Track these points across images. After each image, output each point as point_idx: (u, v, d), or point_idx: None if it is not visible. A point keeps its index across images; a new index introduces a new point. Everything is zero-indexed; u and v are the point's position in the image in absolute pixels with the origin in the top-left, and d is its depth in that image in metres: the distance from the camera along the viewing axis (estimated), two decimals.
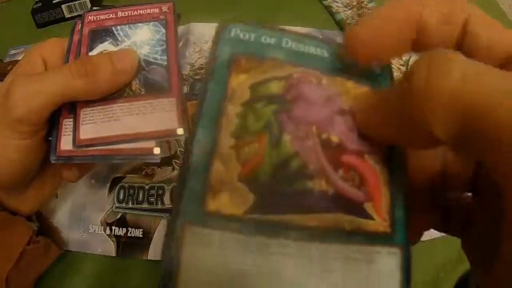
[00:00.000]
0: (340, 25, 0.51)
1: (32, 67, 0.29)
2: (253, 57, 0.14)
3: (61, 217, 0.38)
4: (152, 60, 0.29)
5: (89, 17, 0.31)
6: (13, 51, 0.50)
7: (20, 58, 0.48)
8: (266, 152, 0.12)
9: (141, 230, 0.37)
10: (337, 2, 0.55)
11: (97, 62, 0.27)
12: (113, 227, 0.37)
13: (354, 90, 0.14)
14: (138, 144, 0.26)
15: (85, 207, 0.38)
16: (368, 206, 0.12)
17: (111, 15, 0.30)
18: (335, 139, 0.13)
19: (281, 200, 0.12)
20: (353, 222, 0.12)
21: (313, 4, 0.55)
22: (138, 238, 0.37)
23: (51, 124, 0.28)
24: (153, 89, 0.28)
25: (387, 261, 0.12)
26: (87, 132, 0.27)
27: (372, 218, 0.12)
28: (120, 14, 0.30)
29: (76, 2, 0.53)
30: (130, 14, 0.30)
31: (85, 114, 0.27)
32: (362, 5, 0.54)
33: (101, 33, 0.30)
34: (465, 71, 0.11)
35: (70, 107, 0.28)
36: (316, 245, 0.11)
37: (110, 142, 0.26)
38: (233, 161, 0.12)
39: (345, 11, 0.53)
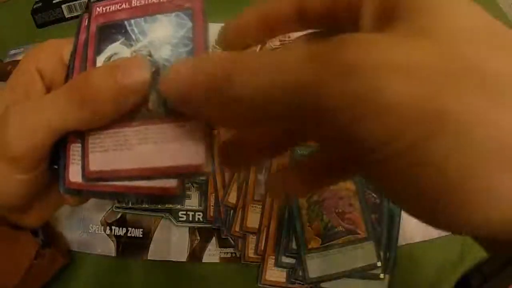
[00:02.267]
0: None
1: (28, 87, 0.25)
2: None
3: (61, 217, 0.38)
4: None
5: (97, 9, 0.25)
6: (13, 51, 0.50)
7: (20, 58, 0.48)
8: (320, 224, 0.36)
9: (141, 230, 0.37)
10: None
11: (97, 82, 0.21)
12: (113, 227, 0.37)
13: (347, 186, 0.38)
14: (156, 181, 0.22)
15: (85, 207, 0.38)
16: (357, 229, 0.35)
17: (123, 5, 0.25)
18: (341, 210, 0.36)
19: (328, 237, 0.35)
20: (354, 237, 0.35)
21: None
22: (138, 238, 0.37)
23: (56, 149, 0.24)
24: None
25: (366, 248, 0.35)
26: (96, 162, 0.23)
27: (358, 233, 0.35)
28: (134, 3, 0.25)
29: (76, 2, 0.53)
30: (146, 2, 0.24)
31: (94, 139, 0.23)
32: None
33: (111, 30, 0.24)
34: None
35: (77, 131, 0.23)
36: (339, 246, 0.35)
37: (122, 177, 0.22)
38: (311, 231, 0.36)
39: None
